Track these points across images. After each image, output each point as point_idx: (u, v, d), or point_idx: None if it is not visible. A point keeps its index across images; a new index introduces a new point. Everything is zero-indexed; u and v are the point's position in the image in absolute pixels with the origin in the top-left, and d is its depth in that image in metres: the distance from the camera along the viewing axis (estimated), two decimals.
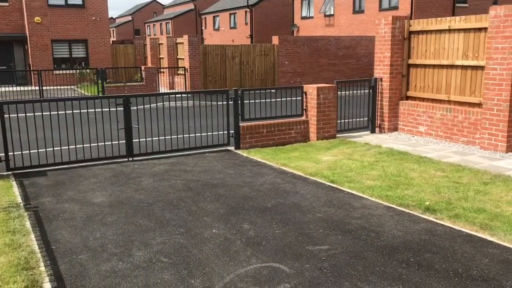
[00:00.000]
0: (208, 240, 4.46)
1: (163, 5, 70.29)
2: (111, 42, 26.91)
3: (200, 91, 9.42)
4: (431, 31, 8.97)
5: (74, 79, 21.64)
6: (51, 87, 19.76)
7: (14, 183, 6.54)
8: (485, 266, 3.83)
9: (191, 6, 56.27)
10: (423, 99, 9.32)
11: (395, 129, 9.77)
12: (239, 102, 8.46)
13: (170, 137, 8.47)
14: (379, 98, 9.76)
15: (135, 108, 7.92)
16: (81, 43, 24.60)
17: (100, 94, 18.24)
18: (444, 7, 24.77)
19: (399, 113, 9.69)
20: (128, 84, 20.10)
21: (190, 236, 4.56)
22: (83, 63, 24.61)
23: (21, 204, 5.55)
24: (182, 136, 8.70)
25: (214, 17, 47.41)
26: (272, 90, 10.46)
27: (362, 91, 10.10)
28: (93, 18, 24.54)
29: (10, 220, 5.01)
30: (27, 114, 7.20)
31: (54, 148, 7.54)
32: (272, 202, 5.55)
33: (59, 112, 7.54)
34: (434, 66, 9.00)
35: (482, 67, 8.05)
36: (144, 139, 8.35)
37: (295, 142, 9.07)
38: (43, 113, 7.25)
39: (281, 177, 6.66)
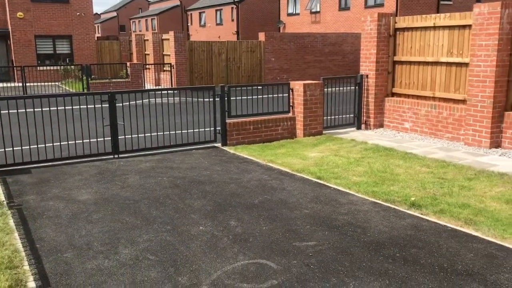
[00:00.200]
0: (195, 237, 4.44)
1: (149, 1, 69.71)
2: (96, 38, 26.63)
3: (186, 87, 9.36)
4: (416, 28, 9.04)
5: (58, 76, 21.38)
6: (35, 84, 19.49)
7: None
8: (470, 260, 3.88)
9: (176, 2, 55.91)
10: (408, 96, 9.39)
11: (381, 125, 9.84)
12: (226, 98, 8.44)
13: (156, 134, 8.41)
14: (365, 95, 9.81)
15: (121, 104, 7.84)
16: (66, 39, 24.30)
17: (85, 91, 18.05)
18: (429, 5, 24.98)
19: (384, 109, 9.75)
20: (114, 80, 19.92)
21: (177, 233, 4.54)
22: (67, 59, 24.33)
23: (4, 202, 5.47)
24: (168, 133, 8.65)
25: (200, 13, 47.19)
26: (259, 87, 10.45)
27: (348, 88, 10.15)
28: (78, 13, 24.25)
29: None
30: (10, 111, 7.09)
31: (38, 145, 7.44)
32: (259, 198, 5.55)
33: (43, 109, 7.44)
34: (419, 63, 9.07)
35: (466, 64, 8.14)
36: (130, 136, 8.28)
37: (282, 139, 9.08)
38: (27, 110, 7.14)
39: (268, 173, 6.66)
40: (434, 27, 8.67)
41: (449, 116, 8.45)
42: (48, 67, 22.14)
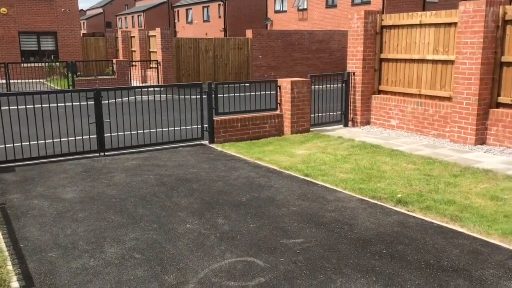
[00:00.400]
0: (182, 235, 4.41)
1: None
2: (81, 35, 26.33)
3: (173, 84, 9.29)
4: (402, 26, 9.09)
5: (43, 73, 21.10)
6: (19, 81, 19.21)
7: None
8: (456, 256, 3.91)
9: None
10: (394, 93, 9.44)
11: (368, 122, 9.88)
12: (213, 95, 8.40)
13: (142, 131, 8.35)
14: (352, 92, 9.84)
15: (107, 102, 7.76)
16: (50, 35, 23.99)
17: (71, 88, 17.85)
18: (415, 2, 25.16)
19: (371, 107, 9.80)
20: (99, 77, 19.73)
21: (163, 231, 4.50)
22: (52, 56, 24.02)
23: None
24: (155, 130, 8.59)
25: (187, 10, 46.93)
26: (246, 84, 10.42)
27: (335, 85, 10.17)
28: (63, 9, 23.95)
29: None
30: None
31: (23, 143, 7.33)
32: (246, 196, 5.53)
33: (27, 106, 7.33)
34: (405, 60, 9.12)
35: (452, 62, 8.20)
36: (116, 134, 8.20)
37: (270, 136, 9.07)
38: (11, 107, 7.03)
39: (256, 171, 6.65)
40: (420, 25, 8.72)
41: (435, 113, 8.51)
42: (33, 64, 21.82)
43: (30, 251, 4.09)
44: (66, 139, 7.66)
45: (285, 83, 9.21)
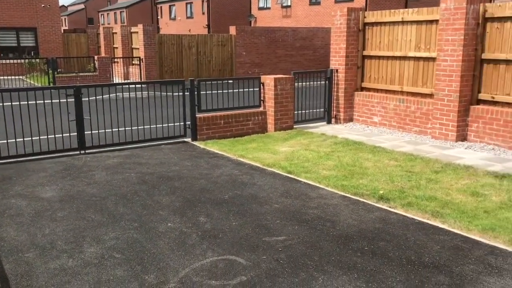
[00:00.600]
0: (163, 234, 4.36)
1: None
2: (62, 31, 25.93)
3: (155, 81, 9.19)
4: (385, 23, 9.12)
5: (23, 69, 20.73)
6: None
7: None
8: (436, 253, 3.93)
9: None
10: (377, 90, 9.48)
11: (351, 119, 9.91)
12: (196, 92, 8.33)
13: (124, 129, 8.24)
14: (335, 89, 9.86)
15: (88, 99, 7.64)
16: (30, 31, 23.56)
17: (51, 85, 17.56)
18: (398, 0, 25.34)
19: (354, 104, 9.83)
20: (81, 74, 19.45)
21: (144, 230, 4.44)
22: (32, 52, 23.60)
23: None
24: (137, 128, 8.48)
25: (170, 6, 46.58)
26: (230, 81, 10.36)
27: (319, 82, 10.18)
28: (43, 5, 23.54)
29: None
30: None
31: (0, 141, 7.17)
32: (229, 194, 5.49)
33: (5, 104, 7.17)
34: (387, 57, 9.16)
35: (433, 59, 8.26)
36: (97, 131, 8.08)
37: (253, 133, 9.04)
38: None
39: (239, 168, 6.61)
40: (402, 22, 8.76)
41: (416, 110, 8.57)
42: (12, 61, 21.41)
43: (6, 252, 4.00)
44: (46, 137, 7.53)
45: (268, 80, 9.18)
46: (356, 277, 3.54)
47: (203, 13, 40.06)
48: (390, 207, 5.00)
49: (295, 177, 6.14)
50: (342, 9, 9.55)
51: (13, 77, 19.57)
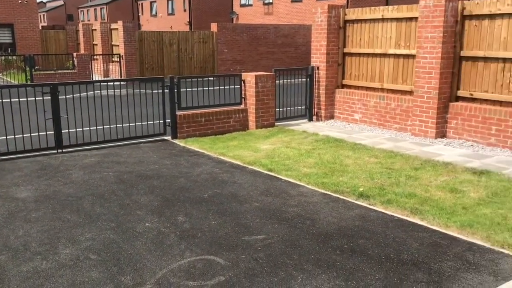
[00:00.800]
0: (140, 234, 4.28)
1: None
2: (40, 27, 25.46)
3: (133, 78, 9.05)
4: (365, 20, 9.14)
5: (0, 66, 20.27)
6: None
7: None
8: (415, 250, 3.93)
9: None
10: (358, 87, 9.51)
11: (332, 117, 9.92)
12: (175, 90, 8.23)
13: (102, 127, 8.10)
14: (316, 87, 9.85)
15: (65, 97, 7.48)
16: (7, 27, 23.05)
17: (29, 82, 17.23)
18: None
19: (335, 101, 9.83)
20: (59, 71, 19.11)
21: (121, 231, 4.36)
22: (9, 49, 23.10)
23: None
24: (115, 126, 8.35)
25: (151, 3, 46.12)
26: (210, 78, 10.27)
27: (300, 79, 10.16)
28: (20, 1, 23.05)
29: None
30: None
31: None
32: (209, 192, 5.43)
33: None
34: (368, 54, 9.19)
35: (413, 56, 8.31)
36: (75, 130, 7.92)
37: (234, 131, 8.98)
38: None
39: (219, 166, 6.55)
40: (383, 19, 8.79)
41: (397, 107, 8.61)
42: None
43: None
44: (21, 135, 7.35)
45: (249, 77, 9.12)
46: (335, 275, 3.52)
47: (185, 10, 39.76)
48: (370, 204, 5.00)
49: (276, 175, 6.10)
50: (323, 6, 9.54)
51: None
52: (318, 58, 9.74)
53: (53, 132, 7.42)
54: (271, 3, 29.64)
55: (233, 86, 9.48)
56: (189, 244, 4.06)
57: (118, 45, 19.73)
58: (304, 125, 9.50)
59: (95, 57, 21.14)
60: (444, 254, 3.84)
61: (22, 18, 23.19)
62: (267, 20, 29.27)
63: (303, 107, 10.12)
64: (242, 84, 9.21)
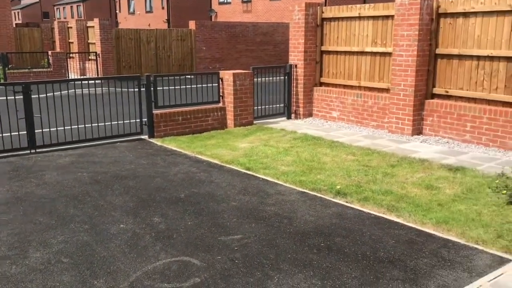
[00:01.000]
0: (114, 236, 4.19)
1: None
2: (14, 25, 24.89)
3: (109, 77, 8.91)
4: (342, 18, 9.16)
5: None
6: None
7: None
8: (391, 247, 3.94)
9: None
10: (335, 85, 9.53)
11: (310, 114, 9.93)
12: (152, 88, 8.11)
13: (77, 126, 7.94)
14: (294, 85, 9.85)
15: (38, 96, 7.31)
16: None
17: (2, 81, 16.82)
18: None
19: (313, 99, 9.85)
20: (34, 70, 18.73)
21: (95, 233, 4.26)
22: None
23: None
24: (91, 125, 8.20)
25: (129, 0, 45.55)
26: (188, 76, 10.18)
27: (279, 77, 10.14)
28: None
29: None
30: None
31: None
32: (185, 192, 5.37)
33: None
34: (345, 52, 9.21)
35: (389, 54, 8.36)
36: (48, 129, 7.74)
37: (212, 130, 8.91)
38: None
39: (197, 166, 6.48)
40: (359, 18, 8.82)
41: (374, 104, 8.66)
42: None
43: None
44: None
45: (227, 75, 9.06)
46: (312, 274, 3.50)
47: (163, 8, 39.37)
48: (346, 202, 5.00)
49: (254, 174, 6.07)
50: (300, 4, 9.53)
51: None
52: (296, 56, 9.73)
53: (26, 132, 7.24)
54: (250, 1, 29.57)
55: (211, 84, 9.41)
56: (165, 246, 3.99)
57: (94, 43, 19.42)
58: (283, 123, 9.48)
59: (71, 55, 20.77)
60: (420, 251, 3.86)
61: None
62: (246, 18, 29.20)
63: (282, 105, 10.11)
64: (220, 82, 9.14)
